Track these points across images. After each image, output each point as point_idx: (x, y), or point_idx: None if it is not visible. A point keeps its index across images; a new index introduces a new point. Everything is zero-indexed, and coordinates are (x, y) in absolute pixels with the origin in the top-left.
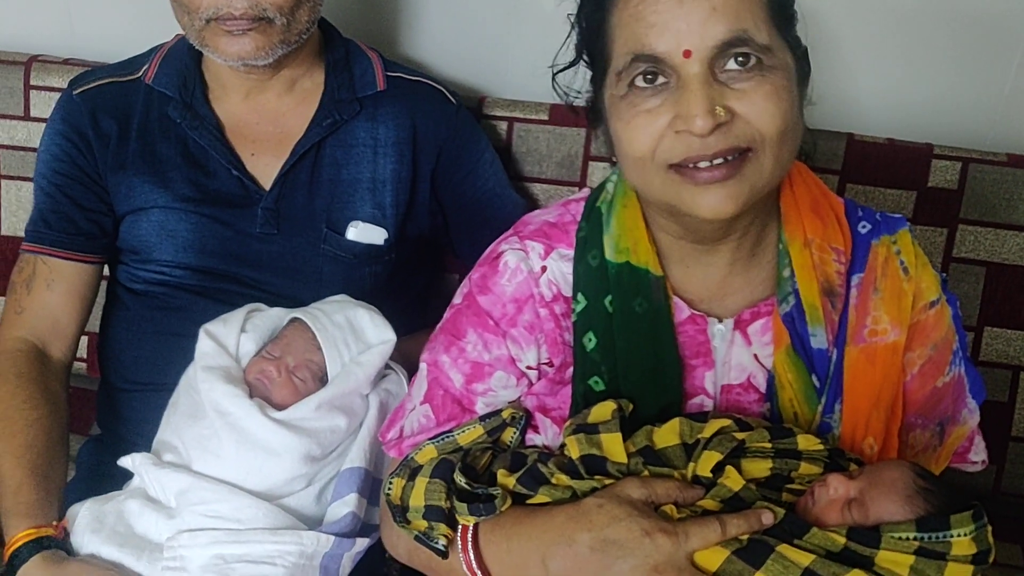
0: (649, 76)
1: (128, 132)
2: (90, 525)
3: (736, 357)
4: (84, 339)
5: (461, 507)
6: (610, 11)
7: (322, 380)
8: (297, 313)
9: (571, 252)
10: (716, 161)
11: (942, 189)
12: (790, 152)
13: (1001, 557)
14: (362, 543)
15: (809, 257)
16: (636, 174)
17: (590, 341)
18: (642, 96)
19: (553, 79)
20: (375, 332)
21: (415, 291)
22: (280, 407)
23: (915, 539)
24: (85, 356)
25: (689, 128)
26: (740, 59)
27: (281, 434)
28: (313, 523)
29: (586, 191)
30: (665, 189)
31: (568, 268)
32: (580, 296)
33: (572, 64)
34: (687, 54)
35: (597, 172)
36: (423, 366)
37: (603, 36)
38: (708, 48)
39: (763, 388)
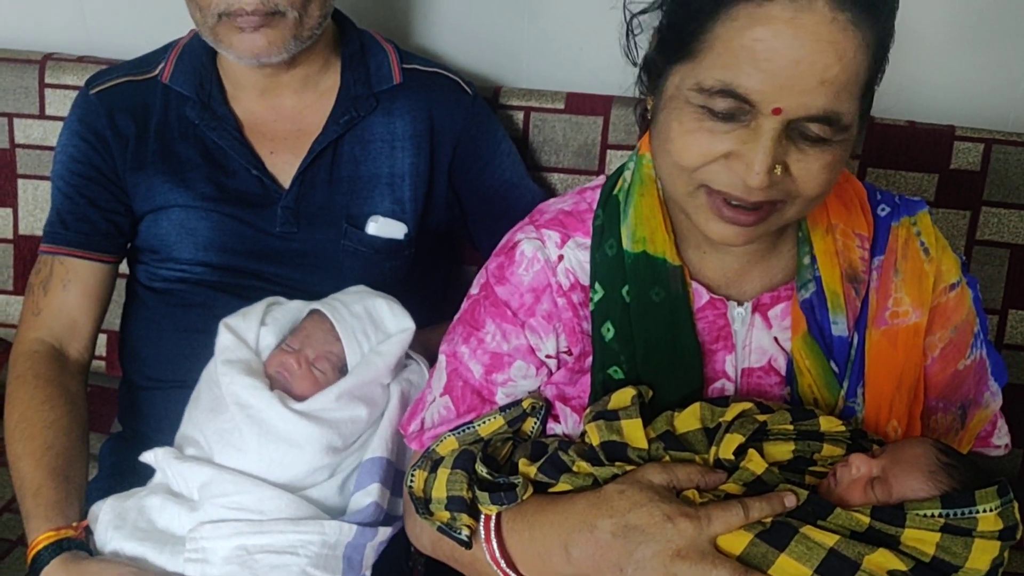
0: (729, 108)
1: (147, 132)
2: (112, 522)
3: (756, 340)
4: (103, 337)
5: (483, 497)
6: (721, 20)
7: (342, 371)
8: (316, 305)
9: (588, 241)
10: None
11: (964, 171)
12: (818, 202)
13: None
14: (385, 532)
15: (832, 243)
16: (666, 170)
17: (608, 331)
18: (710, 115)
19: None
20: (394, 321)
21: (434, 284)
22: (301, 399)
23: (940, 516)
24: (104, 355)
25: (744, 178)
26: (816, 132)
27: (302, 425)
28: (336, 514)
29: (601, 179)
30: (688, 200)
31: (585, 257)
32: (598, 286)
33: (652, 8)
34: (777, 111)
35: (615, 161)
36: (442, 357)
37: (701, 30)
38: (798, 115)
39: (784, 371)
